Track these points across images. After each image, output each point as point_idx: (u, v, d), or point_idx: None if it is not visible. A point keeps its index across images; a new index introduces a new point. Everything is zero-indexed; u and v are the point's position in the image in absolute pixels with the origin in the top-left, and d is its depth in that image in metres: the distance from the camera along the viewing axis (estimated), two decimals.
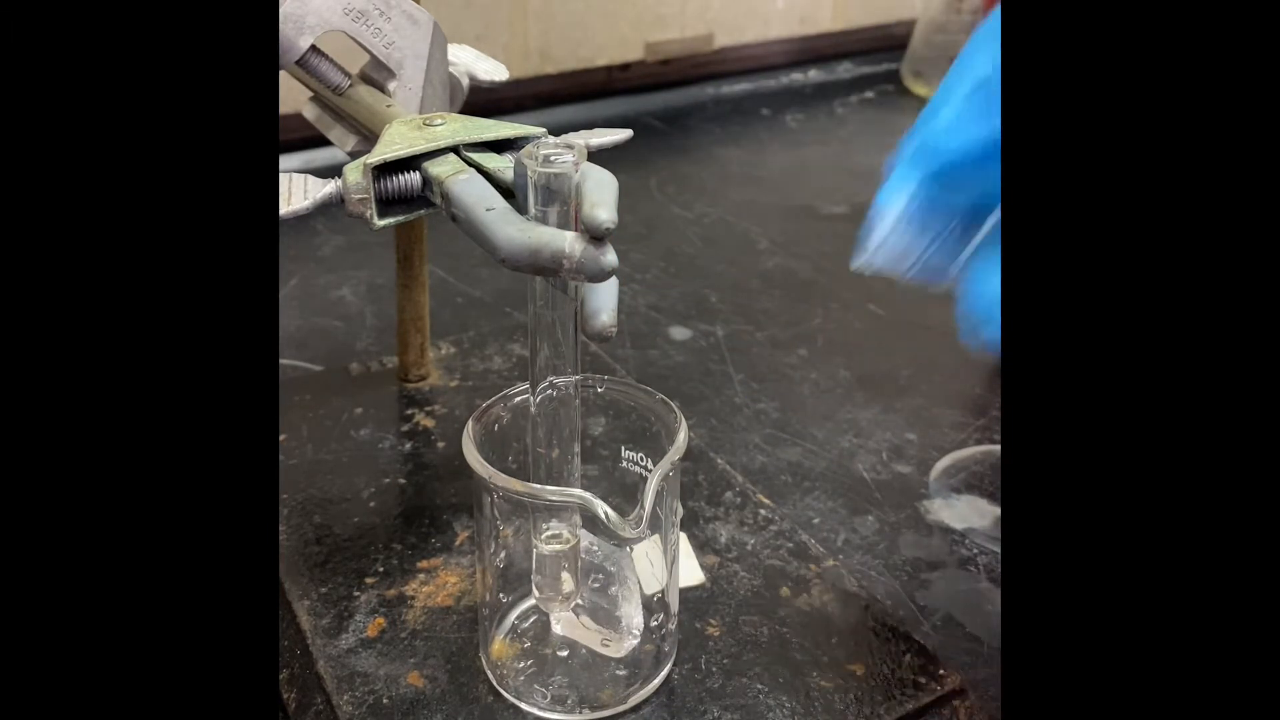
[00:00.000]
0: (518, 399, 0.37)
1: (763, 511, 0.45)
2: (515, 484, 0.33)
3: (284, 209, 0.34)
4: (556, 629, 0.36)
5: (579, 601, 0.37)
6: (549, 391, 0.34)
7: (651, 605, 0.37)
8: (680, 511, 0.37)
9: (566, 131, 0.38)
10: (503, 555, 0.38)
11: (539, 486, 0.34)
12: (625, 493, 0.38)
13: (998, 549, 0.48)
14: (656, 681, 0.37)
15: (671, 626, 0.38)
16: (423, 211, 0.36)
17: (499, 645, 0.37)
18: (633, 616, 0.36)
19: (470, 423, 0.35)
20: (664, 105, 1.06)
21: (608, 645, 0.36)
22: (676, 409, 0.36)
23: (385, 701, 0.36)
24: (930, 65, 1.08)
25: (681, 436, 0.35)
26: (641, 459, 0.37)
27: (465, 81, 0.46)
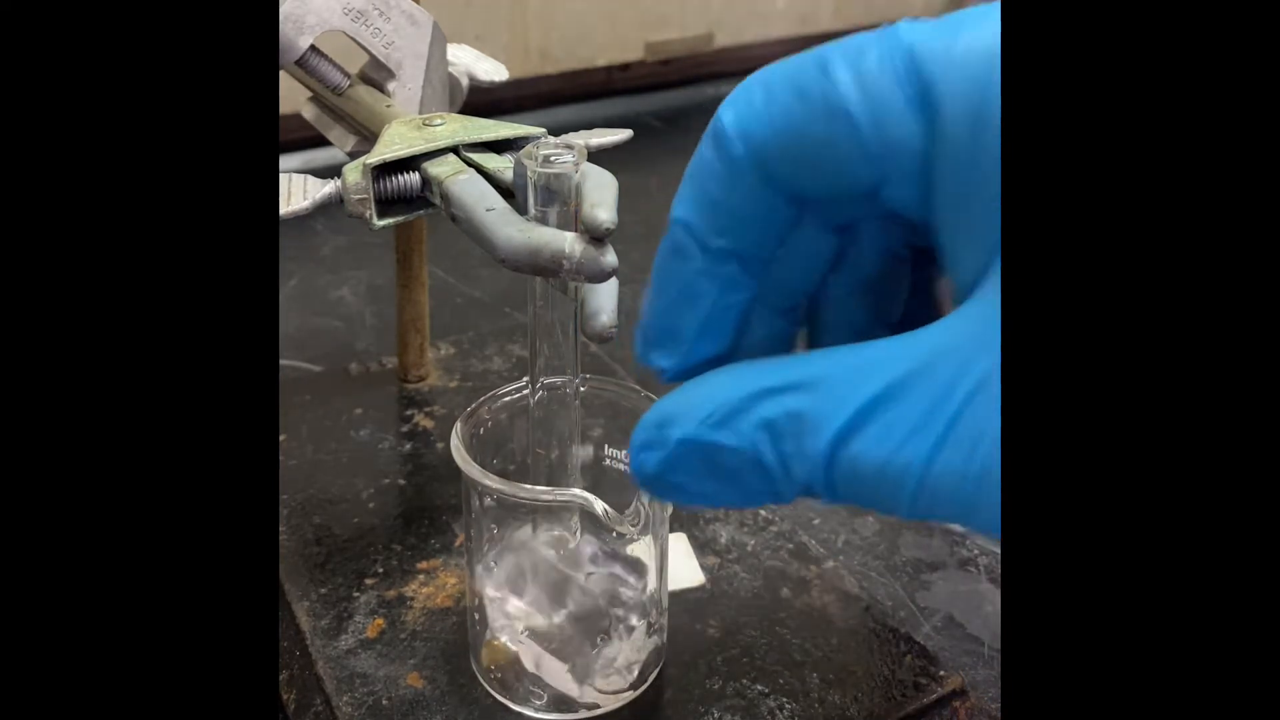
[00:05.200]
0: (506, 399, 0.37)
1: (763, 512, 0.45)
2: (511, 486, 0.33)
3: (284, 209, 0.34)
4: (528, 664, 0.36)
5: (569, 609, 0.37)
6: (543, 392, 0.34)
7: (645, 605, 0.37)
8: (669, 507, 0.37)
9: (566, 131, 0.38)
10: (494, 558, 0.38)
11: (533, 487, 0.34)
12: (606, 492, 0.37)
13: (998, 549, 0.48)
14: (650, 680, 0.37)
15: (664, 622, 0.38)
16: (422, 212, 0.36)
17: (489, 650, 0.37)
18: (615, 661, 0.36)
19: (458, 424, 0.35)
20: (664, 105, 1.06)
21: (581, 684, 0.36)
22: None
23: (385, 702, 0.36)
24: None
25: None
26: (627, 456, 0.37)
27: (465, 81, 0.46)
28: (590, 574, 0.38)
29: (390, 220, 0.35)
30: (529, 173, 0.30)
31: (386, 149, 0.34)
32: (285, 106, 0.40)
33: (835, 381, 0.19)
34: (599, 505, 0.32)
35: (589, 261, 0.28)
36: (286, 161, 0.81)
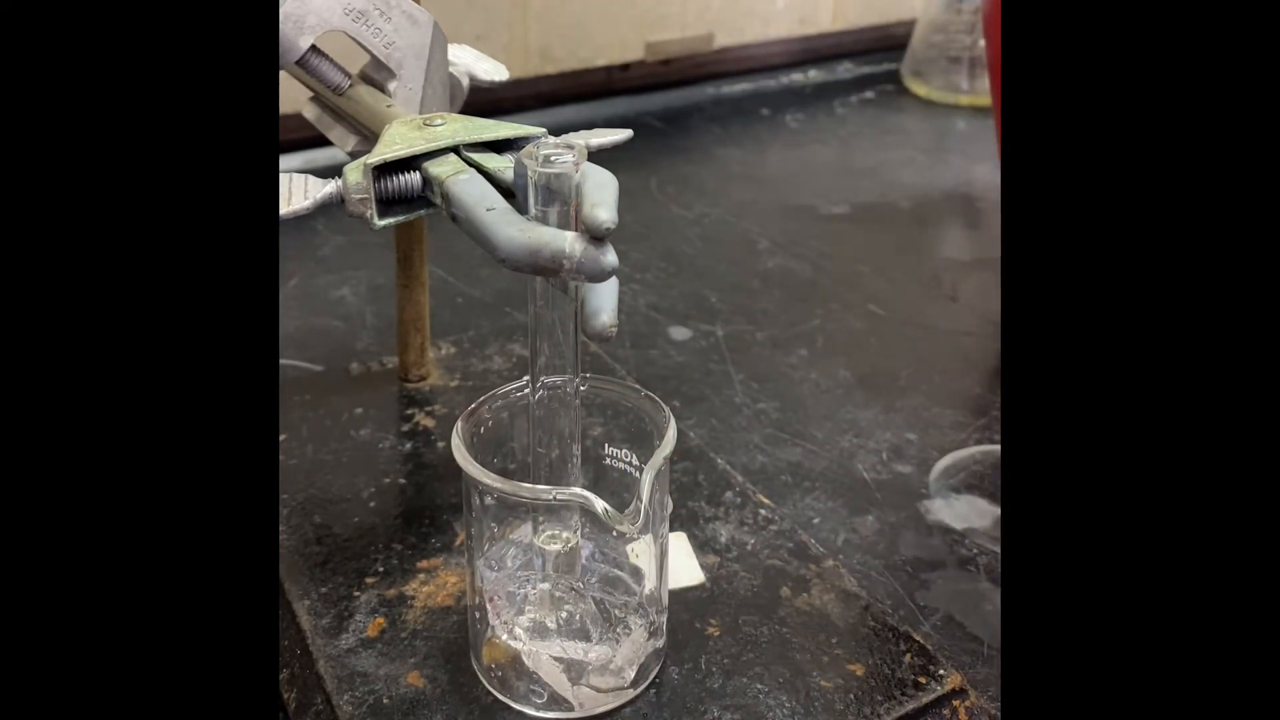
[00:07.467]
0: (506, 398, 0.37)
1: (763, 511, 0.45)
2: (511, 485, 0.33)
3: (284, 209, 0.34)
4: (527, 661, 0.36)
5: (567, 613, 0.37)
6: (544, 392, 0.34)
7: (644, 603, 0.37)
8: (670, 506, 0.37)
9: (566, 131, 0.38)
10: (494, 556, 0.38)
11: (533, 486, 0.34)
12: (606, 491, 0.37)
13: (998, 549, 0.48)
14: (650, 679, 0.37)
15: (663, 622, 0.38)
16: (423, 211, 0.36)
17: (490, 648, 0.37)
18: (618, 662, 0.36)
19: (459, 423, 0.35)
20: (664, 105, 1.06)
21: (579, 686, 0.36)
22: (665, 405, 0.36)
23: (385, 701, 0.36)
24: (930, 65, 1.08)
25: (671, 433, 0.34)
26: (627, 455, 0.37)
27: (465, 81, 0.46)
28: (589, 574, 0.38)
29: (391, 220, 0.35)
30: (529, 173, 0.30)
31: (387, 149, 0.34)
32: (285, 106, 0.41)
33: None
34: (599, 504, 0.32)
35: (589, 261, 0.28)
36: (287, 161, 0.82)
